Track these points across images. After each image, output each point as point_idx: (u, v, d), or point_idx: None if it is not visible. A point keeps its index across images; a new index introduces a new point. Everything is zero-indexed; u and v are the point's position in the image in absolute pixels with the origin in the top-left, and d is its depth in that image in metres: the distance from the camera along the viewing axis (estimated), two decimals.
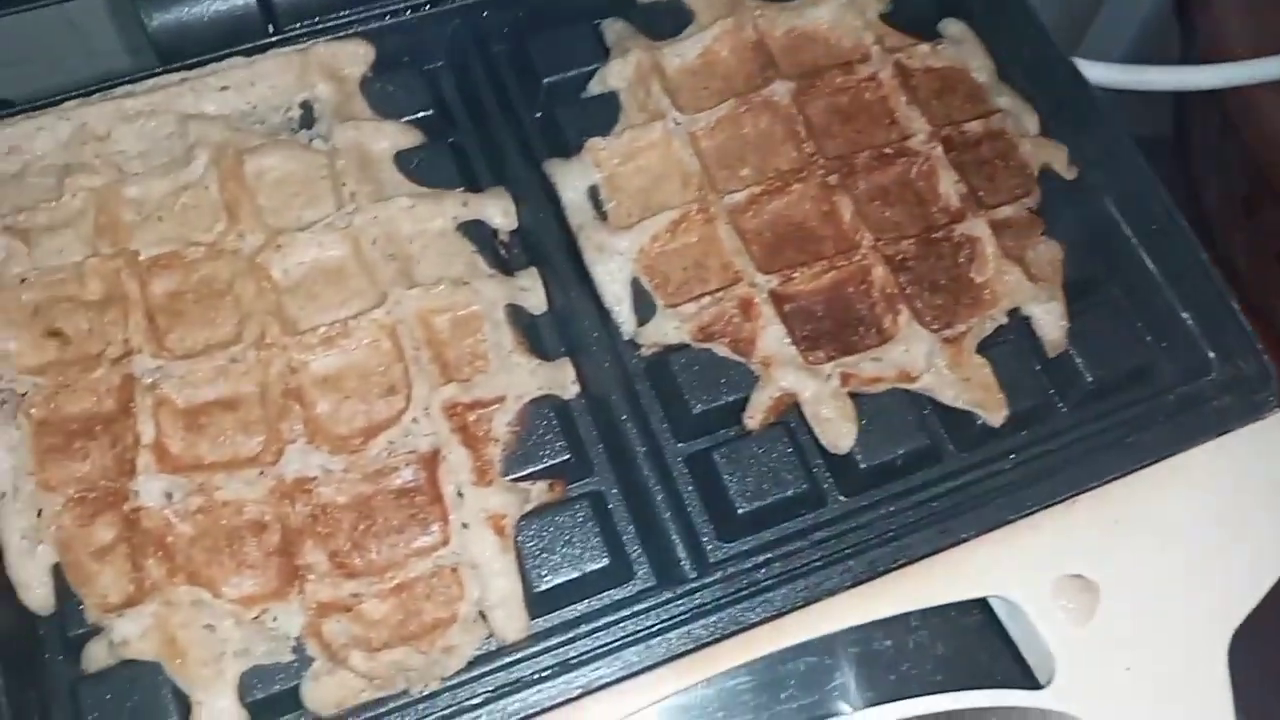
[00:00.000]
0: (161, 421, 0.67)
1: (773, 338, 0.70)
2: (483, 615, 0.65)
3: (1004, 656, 0.71)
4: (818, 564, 0.67)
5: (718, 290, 0.71)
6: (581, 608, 0.67)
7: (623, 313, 0.73)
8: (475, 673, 0.63)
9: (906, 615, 0.68)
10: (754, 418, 0.69)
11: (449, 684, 0.62)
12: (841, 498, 0.70)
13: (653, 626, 0.64)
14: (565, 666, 0.63)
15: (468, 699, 0.62)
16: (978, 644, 0.73)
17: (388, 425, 0.68)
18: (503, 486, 0.67)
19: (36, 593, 0.64)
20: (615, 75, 0.80)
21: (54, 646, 0.65)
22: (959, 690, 0.68)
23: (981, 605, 0.71)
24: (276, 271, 0.72)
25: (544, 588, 0.66)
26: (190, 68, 0.77)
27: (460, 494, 0.66)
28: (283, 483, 0.66)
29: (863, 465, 0.69)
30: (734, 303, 0.71)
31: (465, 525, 0.66)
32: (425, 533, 0.65)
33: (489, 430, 0.69)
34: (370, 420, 0.69)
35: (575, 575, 0.66)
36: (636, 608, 0.65)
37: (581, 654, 0.64)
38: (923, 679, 0.72)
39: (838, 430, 0.69)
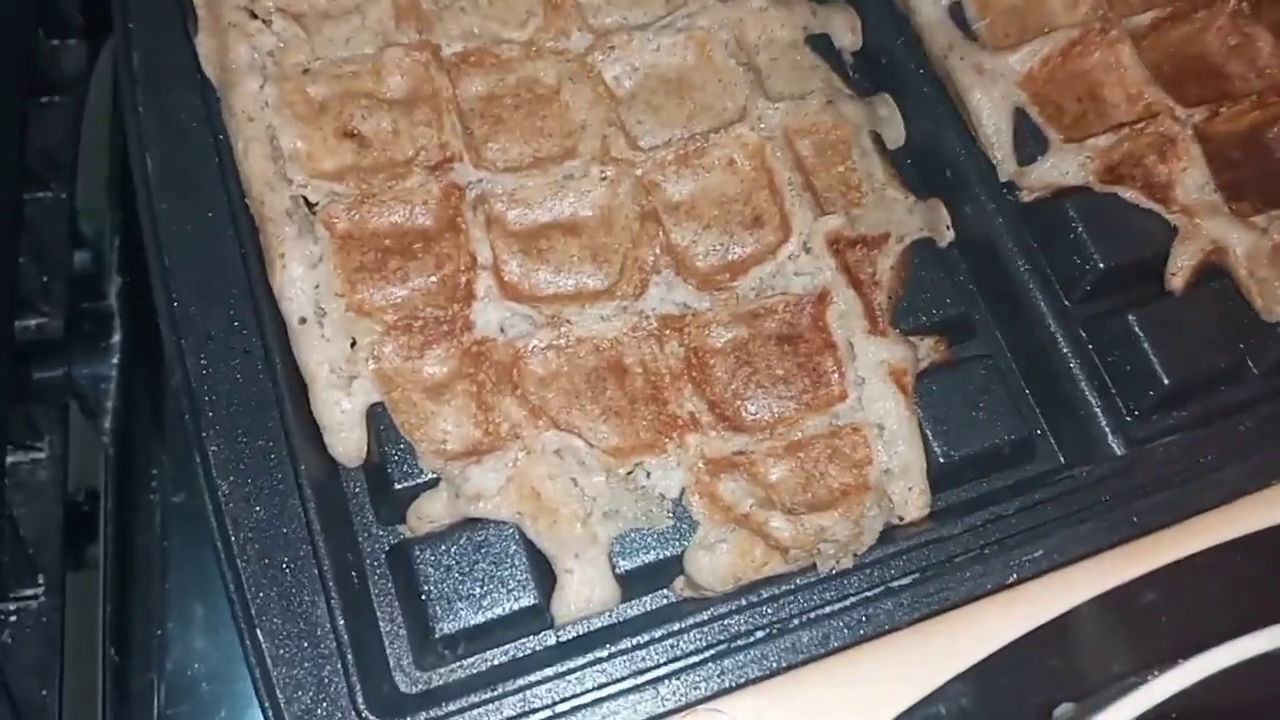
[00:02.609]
0: (494, 243, 0.56)
1: (1193, 183, 0.60)
2: None
3: None
4: (1259, 440, 0.57)
5: (1136, 123, 0.60)
6: (984, 486, 0.57)
7: (1002, 147, 0.62)
8: (891, 550, 0.52)
9: None
10: (1178, 275, 0.59)
11: (864, 562, 0.52)
12: (1268, 372, 0.60)
13: (1085, 508, 0.54)
14: (995, 548, 0.53)
15: (893, 579, 0.51)
16: None
17: (759, 260, 0.57)
18: (896, 337, 0.57)
19: (350, 437, 0.53)
20: None
21: (371, 504, 0.54)
22: None
23: None
24: (608, 78, 0.60)
25: (943, 460, 0.56)
26: None
27: (851, 343, 0.56)
28: (645, 319, 0.54)
29: None
30: (1150, 139, 0.60)
31: (862, 379, 0.55)
32: (820, 384, 0.55)
33: (874, 273, 0.58)
34: (736, 254, 0.57)
35: (978, 448, 0.56)
36: (1056, 488, 0.55)
37: (1004, 536, 0.54)
38: None
39: (1274, 293, 0.59)
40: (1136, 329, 0.58)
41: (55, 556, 0.70)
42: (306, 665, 0.49)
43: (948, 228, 0.61)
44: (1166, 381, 0.57)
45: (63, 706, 0.66)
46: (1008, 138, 0.62)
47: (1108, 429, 0.56)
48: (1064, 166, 0.61)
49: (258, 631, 0.50)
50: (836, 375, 0.55)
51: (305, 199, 0.56)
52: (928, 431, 0.56)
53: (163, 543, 0.71)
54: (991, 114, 0.62)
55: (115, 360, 0.77)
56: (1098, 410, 0.56)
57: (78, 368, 0.76)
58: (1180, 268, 0.59)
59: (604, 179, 0.57)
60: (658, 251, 0.55)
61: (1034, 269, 0.59)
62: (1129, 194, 0.60)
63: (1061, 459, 0.58)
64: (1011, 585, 0.52)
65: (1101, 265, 0.59)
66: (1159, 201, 0.60)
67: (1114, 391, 0.58)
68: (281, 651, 0.49)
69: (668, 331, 0.54)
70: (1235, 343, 0.59)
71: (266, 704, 0.49)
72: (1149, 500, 0.54)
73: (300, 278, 0.54)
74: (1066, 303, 0.60)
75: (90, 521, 0.73)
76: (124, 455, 0.74)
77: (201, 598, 0.69)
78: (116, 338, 0.77)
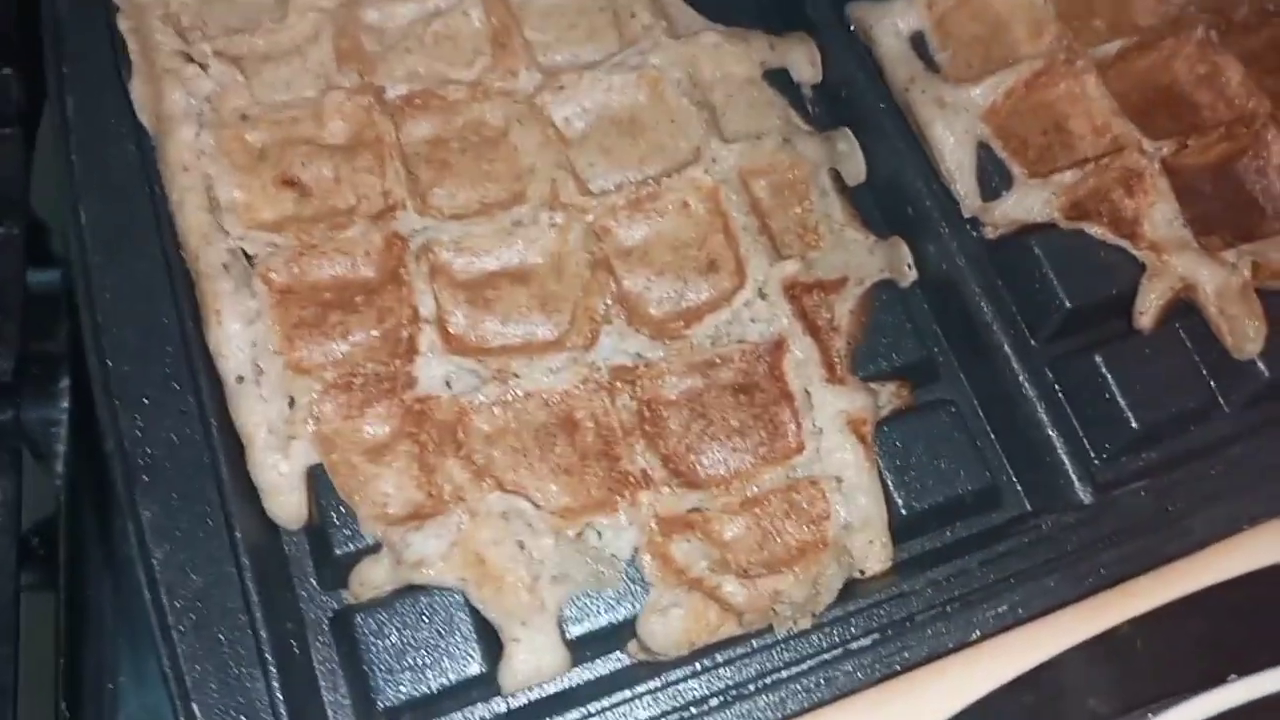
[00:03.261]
0: (439, 294, 0.54)
1: (1162, 217, 0.58)
2: None
3: None
4: (1229, 485, 0.55)
5: (1102, 158, 0.59)
6: (948, 535, 0.56)
7: (965, 182, 0.60)
8: (850, 608, 0.51)
9: None
10: (1146, 314, 0.57)
11: (822, 621, 0.50)
12: (1240, 410, 0.59)
13: (1051, 559, 0.53)
14: (958, 604, 0.51)
15: (852, 639, 0.50)
16: None
17: (714, 307, 0.55)
18: (855, 385, 0.55)
19: (288, 500, 0.51)
20: None
21: (313, 568, 0.52)
22: None
23: None
24: (557, 119, 0.58)
25: (905, 511, 0.55)
26: None
27: (808, 392, 0.54)
28: (596, 371, 0.52)
29: (1267, 375, 0.58)
30: (1117, 174, 0.59)
31: (819, 429, 0.53)
32: (776, 436, 0.53)
33: (831, 319, 0.56)
34: (690, 301, 0.55)
35: (941, 498, 0.55)
36: (1021, 538, 0.54)
37: (968, 591, 0.52)
38: None
39: (1244, 331, 0.57)
40: (1104, 369, 0.57)
41: (9, 604, 0.68)
42: None
43: (909, 267, 0.60)
44: (1135, 425, 0.56)
45: None
46: (970, 173, 0.60)
47: (1074, 476, 0.55)
48: (1029, 203, 0.59)
49: (193, 706, 0.48)
50: (793, 426, 0.53)
51: (243, 251, 0.54)
52: (889, 481, 0.54)
53: (115, 593, 0.69)
54: (954, 149, 0.60)
55: (65, 404, 0.75)
56: (1064, 456, 0.55)
57: (27, 411, 0.74)
58: (1149, 306, 0.57)
59: (554, 225, 0.55)
60: (609, 300, 0.53)
61: (999, 309, 0.57)
62: (1096, 230, 0.58)
63: (1028, 506, 0.57)
64: (975, 642, 0.51)
65: (1068, 304, 0.58)
66: (1126, 237, 0.58)
67: (1081, 435, 0.56)
68: None
69: (619, 383, 0.52)
70: (1205, 381, 0.58)
71: None
72: (1116, 550, 0.53)
73: (237, 334, 0.52)
74: (1033, 342, 0.59)
75: (45, 569, 0.71)
76: (76, 502, 0.72)
77: (156, 651, 0.68)
78: (66, 381, 0.75)
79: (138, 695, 0.67)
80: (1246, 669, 0.52)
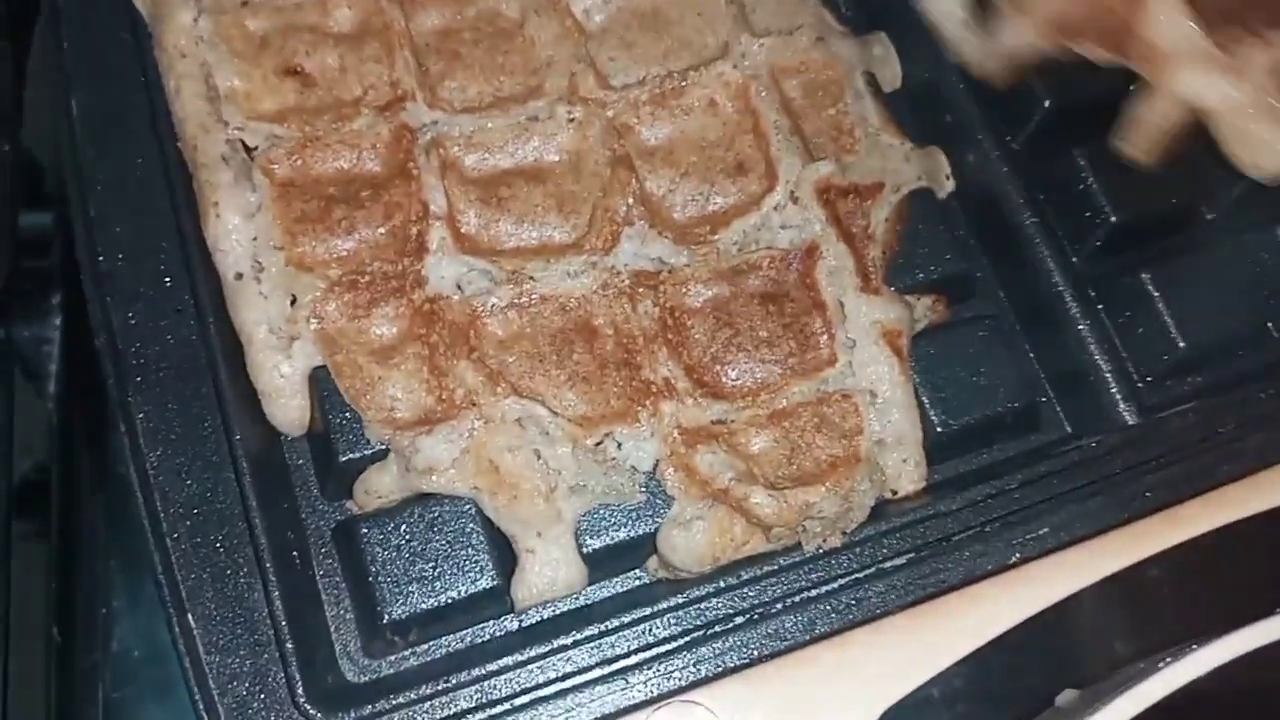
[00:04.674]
0: (451, 191, 0.51)
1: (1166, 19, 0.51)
2: None
3: None
4: None
5: None
6: (985, 457, 0.53)
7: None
8: (884, 527, 0.48)
9: None
10: (1141, 138, 0.52)
11: (853, 541, 0.48)
12: None
13: (1094, 481, 0.50)
14: (997, 525, 0.48)
15: (885, 559, 0.47)
16: None
17: (742, 212, 0.52)
18: (890, 296, 0.52)
19: (290, 404, 0.48)
20: None
21: (316, 477, 0.50)
22: None
23: None
24: (576, 11, 0.55)
25: (941, 430, 0.52)
26: None
27: (841, 302, 0.51)
28: (616, 276, 0.50)
29: None
30: None
31: (852, 341, 0.51)
32: (807, 348, 0.50)
33: (867, 226, 0.53)
34: (717, 205, 0.52)
35: (979, 417, 0.52)
36: (1063, 459, 0.51)
37: (1007, 512, 0.49)
38: None
39: (1258, 145, 0.52)
40: (1150, 288, 0.53)
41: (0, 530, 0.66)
42: (242, 653, 0.45)
43: (947, 177, 0.57)
44: (1182, 345, 0.53)
45: (7, 688, 0.63)
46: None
47: (1118, 396, 0.52)
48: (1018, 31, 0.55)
49: (189, 617, 0.45)
50: (825, 337, 0.50)
51: (243, 143, 0.51)
52: (924, 399, 0.51)
53: (108, 514, 0.67)
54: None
55: (58, 322, 0.72)
56: (1108, 376, 0.52)
57: (18, 329, 0.71)
58: (1146, 124, 0.53)
59: (572, 121, 0.52)
60: (630, 201, 0.50)
61: (1040, 223, 0.55)
62: (1087, 49, 0.54)
63: (1068, 429, 0.54)
64: (1014, 565, 0.48)
65: (1114, 219, 0.55)
66: (1120, 52, 0.54)
67: (1125, 356, 0.53)
68: (215, 639, 0.45)
69: (641, 289, 0.49)
70: (1257, 304, 0.55)
71: (198, 695, 0.44)
72: (1163, 473, 0.50)
73: (236, 229, 0.49)
74: (1075, 259, 0.56)
75: (37, 491, 0.68)
76: (68, 423, 0.69)
77: (149, 574, 0.66)
78: (58, 298, 0.73)
79: (132, 619, 0.65)
80: None
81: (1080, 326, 0.53)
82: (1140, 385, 0.53)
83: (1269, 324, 0.55)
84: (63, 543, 0.67)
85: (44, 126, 0.77)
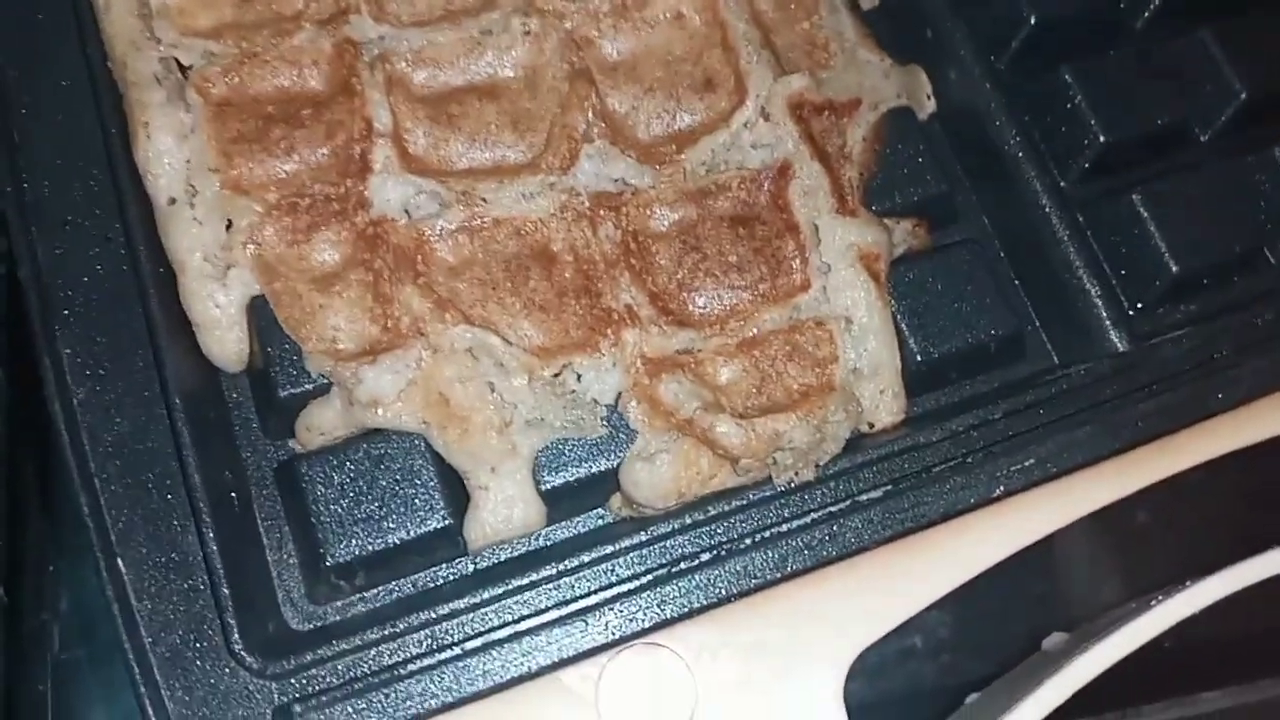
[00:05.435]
0: (396, 109, 0.48)
1: None
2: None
3: None
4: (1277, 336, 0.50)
5: None
6: (967, 389, 0.50)
7: None
8: (859, 459, 0.46)
9: None
10: None
11: (826, 474, 0.45)
12: None
13: (1083, 410, 0.48)
14: (980, 455, 0.46)
15: (860, 492, 0.44)
16: None
17: (710, 129, 0.49)
18: (868, 218, 0.49)
19: (226, 336, 0.45)
20: None
21: (256, 414, 0.47)
22: None
23: None
24: None
25: (920, 358, 0.49)
26: None
27: (815, 225, 0.48)
28: (575, 198, 0.47)
29: None
30: None
31: (827, 265, 0.48)
32: (779, 272, 0.47)
33: (843, 145, 0.50)
34: (683, 122, 0.49)
35: (960, 345, 0.49)
36: (1050, 388, 0.48)
37: (991, 443, 0.47)
38: None
39: None
40: (1141, 210, 0.51)
41: None
42: (175, 600, 0.42)
43: (928, 96, 0.54)
44: (1174, 269, 0.50)
45: None
46: None
47: (1108, 322, 0.49)
48: None
49: (118, 561, 0.42)
50: (798, 261, 0.47)
51: (177, 61, 0.48)
52: (903, 326, 0.49)
53: (53, 467, 0.64)
54: None
55: None
56: (1097, 301, 0.49)
57: None
58: None
59: (527, 33, 0.48)
60: (590, 117, 0.47)
61: (1026, 143, 0.52)
62: None
63: (1055, 358, 0.51)
64: (997, 499, 0.45)
65: (1102, 139, 0.52)
66: None
67: (1115, 281, 0.51)
68: (146, 584, 0.42)
69: (602, 212, 0.46)
70: (1251, 227, 0.52)
71: (128, 644, 0.42)
72: (1154, 401, 0.47)
73: (168, 151, 0.46)
74: (1062, 182, 0.53)
75: None
76: (13, 379, 0.66)
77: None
78: None
79: (79, 576, 0.62)
80: None
81: (1068, 251, 0.50)
82: (1130, 311, 0.51)
83: (1263, 247, 0.53)
84: (8, 499, 0.64)
85: None
